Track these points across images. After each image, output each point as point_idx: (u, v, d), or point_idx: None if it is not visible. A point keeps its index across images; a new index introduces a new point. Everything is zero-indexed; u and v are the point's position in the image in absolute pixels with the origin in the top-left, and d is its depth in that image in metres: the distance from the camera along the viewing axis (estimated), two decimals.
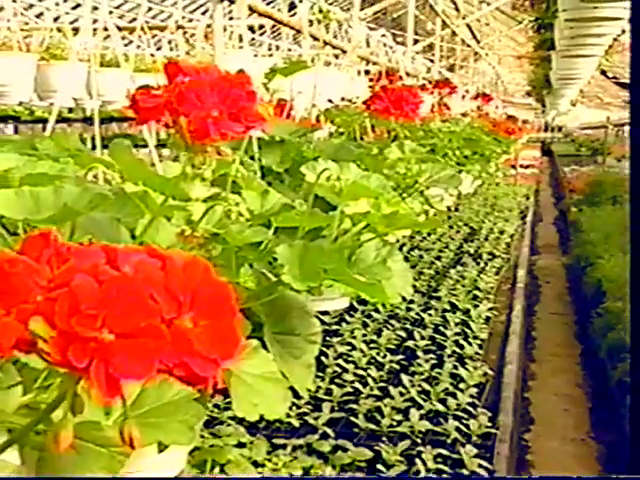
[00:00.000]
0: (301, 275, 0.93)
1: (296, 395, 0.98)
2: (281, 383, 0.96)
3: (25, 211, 0.79)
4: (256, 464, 2.40)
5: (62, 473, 0.75)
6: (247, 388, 0.89)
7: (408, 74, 5.34)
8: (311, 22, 4.78)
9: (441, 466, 2.41)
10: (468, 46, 11.45)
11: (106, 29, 3.91)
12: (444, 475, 2.35)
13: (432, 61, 8.63)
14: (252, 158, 1.43)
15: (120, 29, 4.83)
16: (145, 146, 2.14)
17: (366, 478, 2.04)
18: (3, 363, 0.63)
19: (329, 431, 2.63)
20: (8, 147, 0.95)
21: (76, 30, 5.54)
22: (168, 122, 0.71)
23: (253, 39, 6.24)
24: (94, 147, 1.59)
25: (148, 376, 0.38)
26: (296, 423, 2.70)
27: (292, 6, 5.81)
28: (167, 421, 0.77)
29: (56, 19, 6.40)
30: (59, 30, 5.62)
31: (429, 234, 5.88)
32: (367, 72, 5.54)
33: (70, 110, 7.39)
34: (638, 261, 0.76)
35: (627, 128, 17.22)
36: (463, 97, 5.69)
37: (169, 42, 7.26)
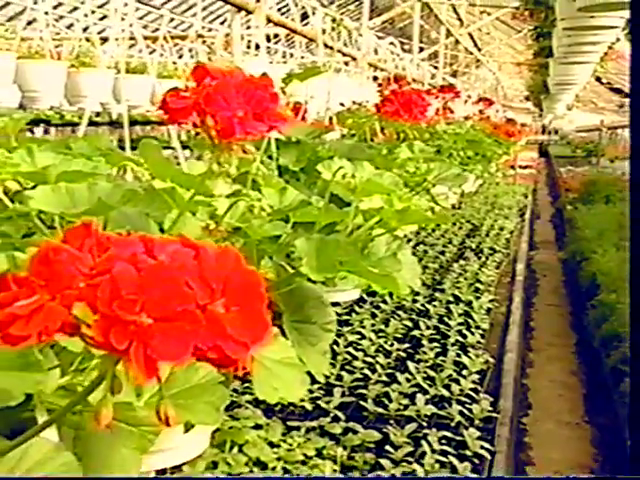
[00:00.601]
0: (318, 267, 0.93)
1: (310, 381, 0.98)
2: (299, 368, 0.96)
3: (61, 206, 0.79)
4: (272, 445, 2.40)
5: (96, 450, 0.75)
6: (268, 372, 0.89)
7: (414, 80, 5.33)
8: (323, 31, 4.77)
9: (445, 447, 2.41)
10: (470, 53, 11.42)
11: (132, 38, 3.92)
12: (449, 456, 2.34)
13: (436, 68, 8.61)
14: (270, 157, 1.43)
15: (145, 38, 4.84)
16: (168, 147, 2.14)
17: (366, 478, 1.96)
18: (43, 347, 0.64)
19: (340, 414, 2.63)
20: (44, 146, 0.95)
21: (104, 40, 5.55)
22: (196, 122, 0.71)
23: (268, 47, 6.24)
24: (121, 147, 1.60)
25: (184, 358, 0.38)
26: (309, 407, 2.71)
27: (304, 16, 5.80)
28: (194, 402, 0.77)
29: (85, 29, 6.43)
30: (88, 40, 5.65)
31: (433, 230, 5.87)
32: (375, 78, 5.53)
33: (97, 114, 7.42)
34: (638, 255, 0.75)
35: (620, 131, 17.12)
36: (465, 102, 5.67)
37: (190, 50, 7.28)
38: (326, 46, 3.34)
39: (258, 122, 0.68)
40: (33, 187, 0.96)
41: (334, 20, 3.22)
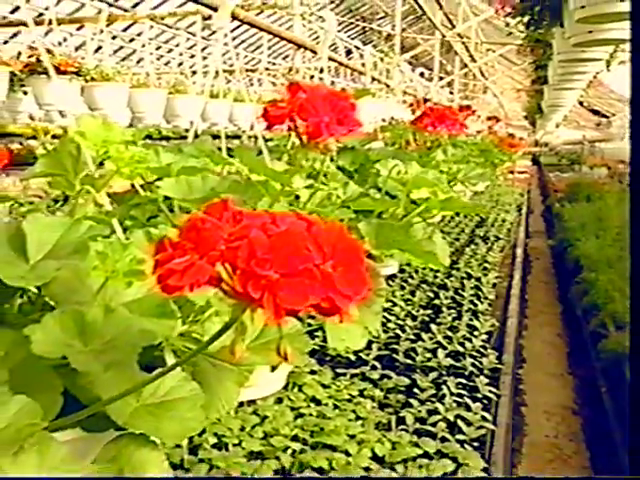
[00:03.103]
0: (377, 244, 0.92)
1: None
2: (360, 324, 0.95)
3: (182, 193, 0.79)
4: (324, 386, 2.40)
5: (208, 383, 0.75)
6: (337, 327, 0.89)
7: (435, 103, 5.26)
8: (363, 64, 4.72)
9: (461, 391, 2.37)
10: (479, 81, 11.21)
11: (217, 72, 3.92)
12: (464, 397, 2.31)
13: (452, 93, 8.48)
14: (331, 159, 1.42)
15: (223, 71, 4.88)
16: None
17: (369, 478, 1.78)
18: (178, 298, 0.64)
19: (377, 364, 2.61)
20: (164, 150, 0.95)
21: (193, 73, 5.60)
22: (290, 126, 0.70)
23: (321, 77, 6.23)
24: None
25: (303, 306, 0.37)
26: (353, 358, 2.70)
27: (348, 52, 5.75)
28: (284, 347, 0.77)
29: (179, 65, 6.50)
30: (181, 73, 5.71)
31: (449, 221, 5.80)
32: (404, 102, 5.47)
33: (186, 130, 7.50)
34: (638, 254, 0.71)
35: (597, 144, 16.65)
36: (477, 119, 5.57)
37: (258, 80, 7.29)
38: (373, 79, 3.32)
39: (340, 126, 0.67)
40: (155, 180, 0.97)
41: (382, 51, 3.20)
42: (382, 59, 3.45)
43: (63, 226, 0.58)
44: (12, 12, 6.73)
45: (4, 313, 0.58)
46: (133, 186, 1.03)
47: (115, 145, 0.66)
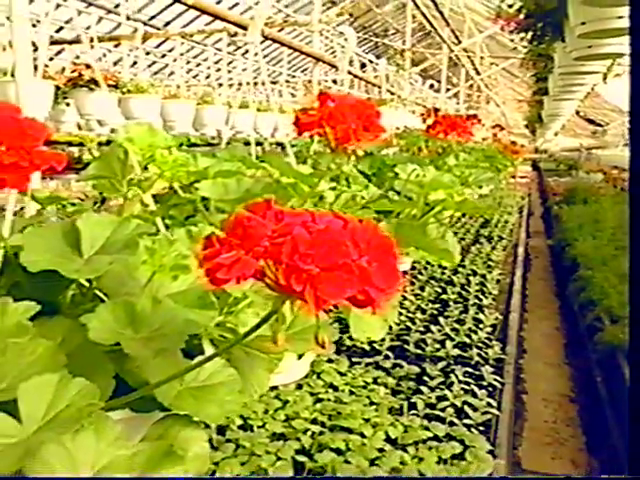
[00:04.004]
0: (396, 242, 0.91)
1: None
2: (379, 317, 0.94)
3: (218, 194, 0.79)
4: (341, 374, 2.39)
5: (241, 370, 0.75)
6: (359, 319, 0.88)
7: (444, 113, 5.23)
8: (376, 77, 4.70)
9: (468, 379, 2.36)
10: (483, 92, 11.12)
11: (240, 84, 3.94)
12: (471, 385, 2.29)
13: (458, 103, 8.42)
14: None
15: (247, 83, 4.89)
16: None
17: (371, 478, 1.71)
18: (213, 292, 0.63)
19: (390, 354, 2.60)
20: (200, 154, 0.95)
21: (220, 85, 5.63)
22: (320, 132, 0.70)
23: (339, 90, 6.22)
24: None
25: (342, 298, 0.37)
26: (367, 348, 2.69)
27: (362, 65, 5.73)
28: (312, 337, 0.76)
29: (207, 77, 6.52)
30: (209, 85, 5.74)
31: (456, 222, 5.76)
32: (413, 111, 5.44)
33: (213, 137, 7.53)
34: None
35: (593, 151, 16.44)
36: (482, 127, 5.52)
37: (279, 92, 7.30)
38: (385, 90, 3.30)
39: (366, 132, 0.67)
40: (191, 183, 0.97)
41: (398, 64, 3.19)
42: (397, 71, 3.44)
43: (113, 224, 0.58)
44: (57, 31, 6.81)
45: (59, 303, 0.58)
46: (170, 188, 1.03)
47: (160, 150, 0.67)
